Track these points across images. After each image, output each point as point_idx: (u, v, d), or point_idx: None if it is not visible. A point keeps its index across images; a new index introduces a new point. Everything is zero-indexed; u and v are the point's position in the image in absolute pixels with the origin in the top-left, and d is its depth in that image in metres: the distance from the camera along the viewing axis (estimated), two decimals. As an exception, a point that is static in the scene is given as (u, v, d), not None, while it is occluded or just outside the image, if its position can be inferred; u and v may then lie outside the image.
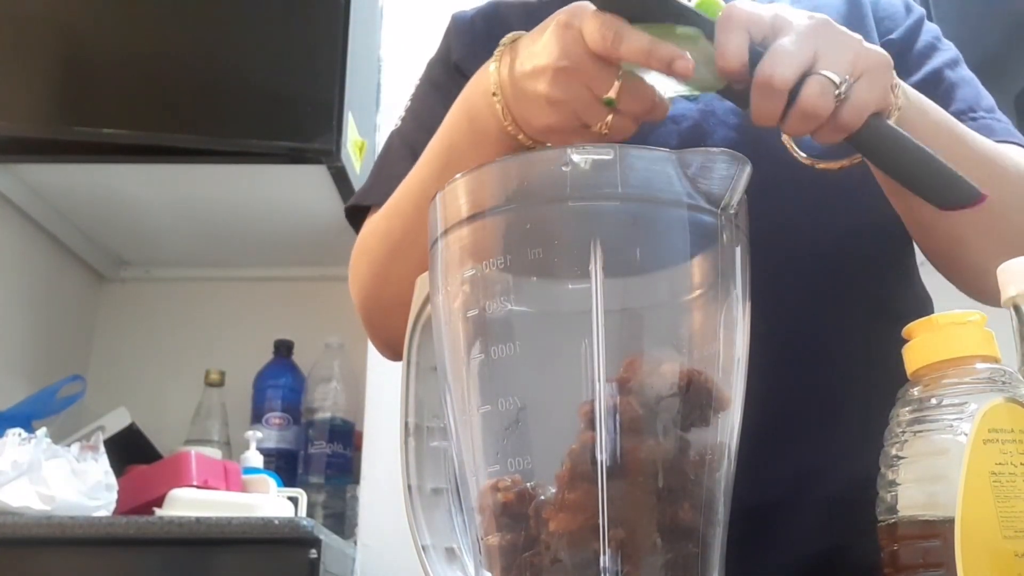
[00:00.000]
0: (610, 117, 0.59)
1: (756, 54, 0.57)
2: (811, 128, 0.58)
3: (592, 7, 0.59)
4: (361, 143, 1.70)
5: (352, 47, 1.62)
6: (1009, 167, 0.72)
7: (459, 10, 0.94)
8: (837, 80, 0.56)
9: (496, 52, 0.65)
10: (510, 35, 0.66)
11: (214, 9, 1.62)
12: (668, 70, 0.57)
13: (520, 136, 0.63)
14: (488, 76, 0.64)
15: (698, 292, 0.48)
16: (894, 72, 0.62)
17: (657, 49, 0.56)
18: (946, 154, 0.65)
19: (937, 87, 0.83)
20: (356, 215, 0.90)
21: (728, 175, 0.47)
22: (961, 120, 0.79)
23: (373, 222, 0.83)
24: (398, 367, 0.60)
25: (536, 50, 0.61)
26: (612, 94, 0.58)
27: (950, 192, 0.57)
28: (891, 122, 0.60)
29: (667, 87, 0.60)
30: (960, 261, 0.74)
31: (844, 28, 0.60)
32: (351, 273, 0.85)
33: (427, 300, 0.55)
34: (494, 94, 0.63)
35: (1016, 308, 0.51)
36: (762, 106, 0.57)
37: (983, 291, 0.74)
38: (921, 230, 0.75)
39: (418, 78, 0.94)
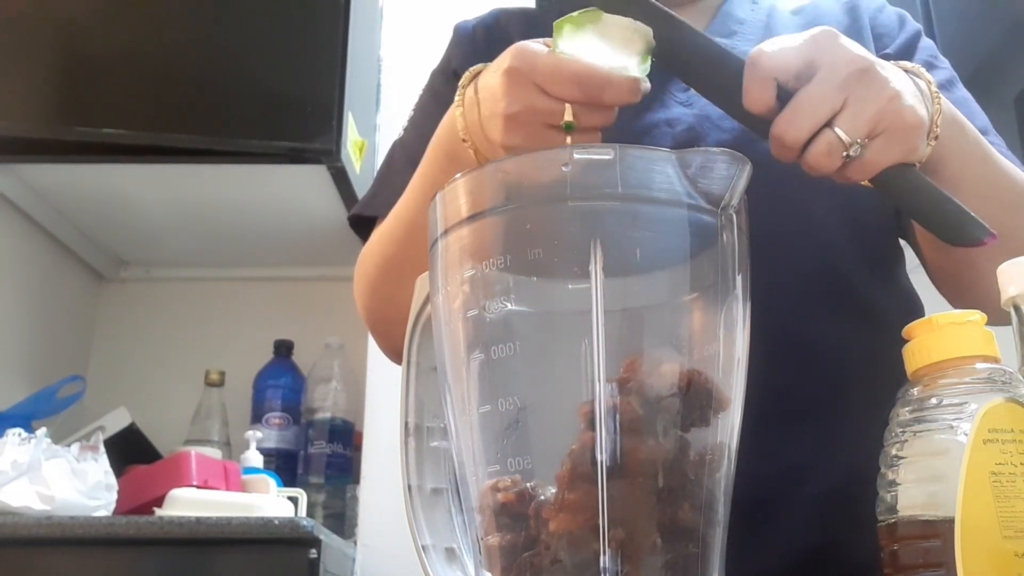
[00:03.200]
0: (569, 140, 0.58)
1: (785, 94, 0.57)
2: (820, 175, 0.59)
3: (539, 47, 0.58)
4: (361, 143, 1.70)
5: (352, 47, 1.63)
6: None
7: (462, 20, 0.95)
8: (847, 141, 0.56)
9: (457, 95, 0.65)
10: (469, 72, 0.65)
11: (214, 9, 1.62)
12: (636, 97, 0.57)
13: None
14: (455, 122, 0.64)
15: (698, 292, 0.48)
16: (931, 102, 0.62)
17: (639, 87, 0.57)
18: (981, 180, 0.66)
19: None
20: (359, 224, 0.91)
21: (728, 175, 0.47)
22: None
23: (371, 244, 0.85)
24: (398, 367, 0.60)
25: (489, 96, 0.61)
26: (569, 117, 0.57)
27: (962, 231, 0.58)
28: (925, 154, 0.60)
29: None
30: (970, 284, 0.74)
31: (886, 75, 0.58)
32: (355, 287, 0.87)
33: (427, 300, 0.55)
34: (464, 140, 0.63)
35: (1016, 308, 0.51)
36: (777, 152, 0.58)
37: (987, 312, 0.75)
38: (936, 251, 0.75)
39: (421, 88, 0.95)
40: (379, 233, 0.83)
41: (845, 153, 0.56)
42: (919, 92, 0.61)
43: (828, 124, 0.56)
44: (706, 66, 0.61)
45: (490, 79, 0.61)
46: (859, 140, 0.56)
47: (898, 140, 0.57)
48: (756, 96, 0.57)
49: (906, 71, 0.63)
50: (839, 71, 0.57)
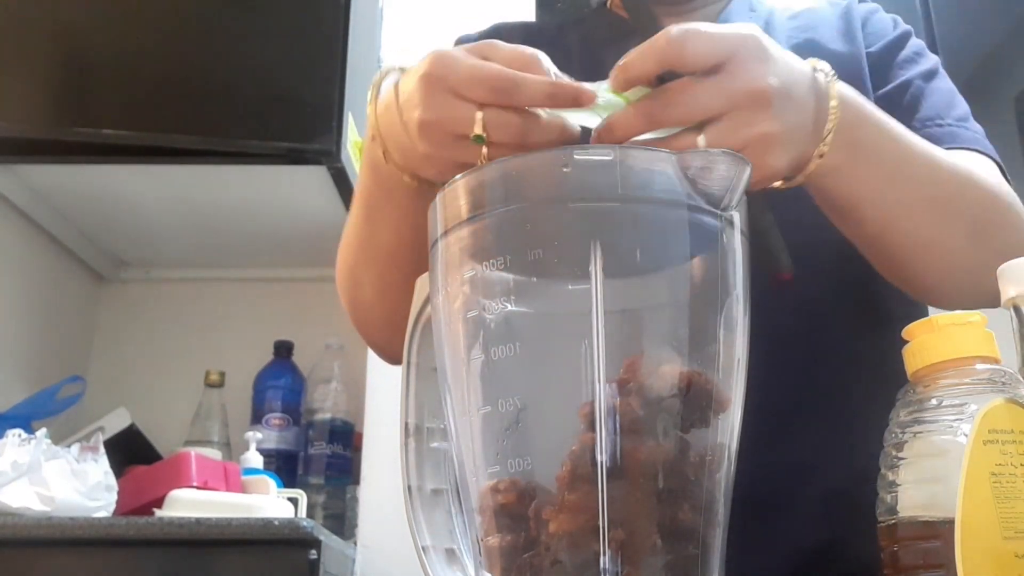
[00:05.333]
0: (485, 150, 0.55)
1: (670, 76, 0.54)
2: None
3: (460, 54, 0.57)
4: (361, 144, 1.70)
5: (352, 47, 1.63)
6: (966, 199, 0.71)
7: (463, 33, 0.96)
8: (702, 147, 0.53)
9: (370, 91, 0.63)
10: (386, 68, 0.64)
11: (214, 9, 1.62)
12: (575, 105, 0.55)
13: (418, 184, 0.62)
14: (368, 118, 0.63)
15: (698, 292, 0.48)
16: (828, 112, 0.59)
17: (559, 90, 0.54)
18: (895, 197, 0.66)
19: (903, 97, 0.83)
20: None
21: (728, 176, 0.47)
22: (926, 128, 0.79)
23: (339, 253, 0.86)
24: (398, 368, 0.60)
25: (406, 102, 0.59)
26: (478, 130, 0.55)
27: (767, 261, 0.57)
28: (811, 166, 0.59)
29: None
30: (906, 279, 0.74)
31: (779, 113, 0.55)
32: (338, 289, 0.89)
33: (427, 301, 0.55)
34: (373, 138, 0.62)
35: (1016, 308, 0.51)
36: (626, 118, 0.54)
37: (936, 302, 0.75)
38: (866, 248, 0.74)
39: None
40: (341, 244, 0.84)
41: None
42: (810, 122, 0.58)
43: (698, 125, 0.54)
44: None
45: (408, 84, 0.59)
46: (712, 152, 0.52)
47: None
48: (637, 66, 0.54)
49: (814, 69, 0.60)
50: (739, 83, 0.54)
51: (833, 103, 0.60)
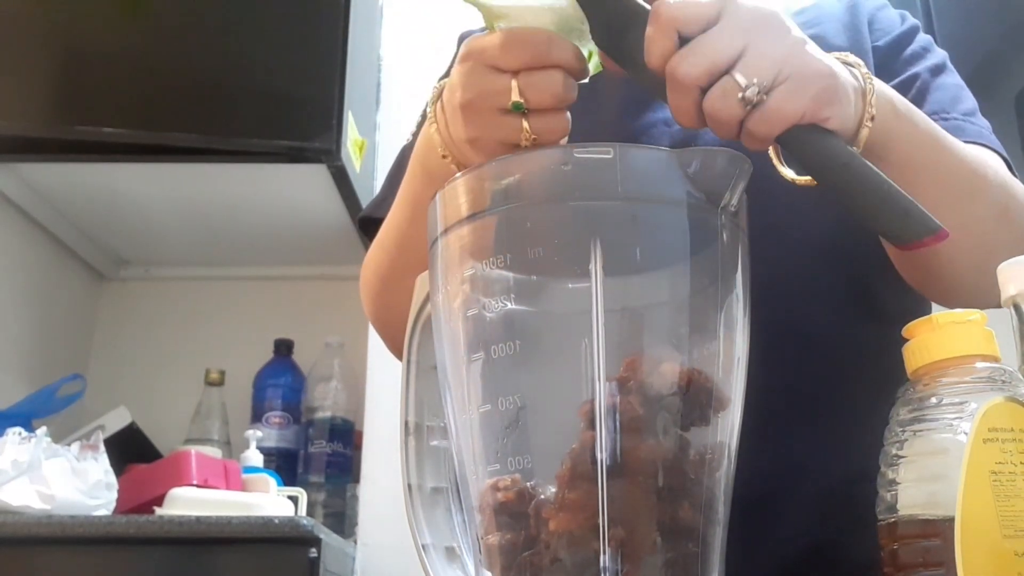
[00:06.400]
0: (526, 124, 0.56)
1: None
2: (726, 133, 0.54)
3: (489, 34, 0.58)
4: (361, 142, 1.70)
5: (352, 47, 1.63)
6: (990, 179, 0.70)
7: (467, 29, 0.96)
8: (743, 83, 0.52)
9: (429, 112, 0.64)
10: (436, 87, 0.65)
11: (214, 9, 1.62)
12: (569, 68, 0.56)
13: None
14: (431, 139, 0.63)
15: (698, 291, 0.48)
16: (863, 80, 0.59)
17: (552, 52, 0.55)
18: (934, 167, 0.63)
19: (909, 91, 0.82)
20: (369, 225, 0.92)
21: (728, 174, 0.47)
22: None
23: (369, 254, 0.86)
24: (398, 366, 0.60)
25: (448, 93, 0.60)
26: (515, 97, 0.55)
27: (903, 224, 0.51)
28: (864, 132, 0.57)
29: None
30: (933, 273, 0.72)
31: (791, 25, 0.56)
32: (360, 293, 0.89)
33: (427, 299, 0.55)
34: (444, 156, 0.62)
35: (1016, 308, 0.51)
36: (673, 101, 0.55)
37: (955, 301, 0.73)
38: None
39: (429, 94, 0.95)
40: (375, 244, 0.84)
41: (741, 95, 0.52)
42: (837, 63, 0.58)
43: (728, 72, 0.53)
44: (615, 22, 0.56)
45: (451, 78, 0.60)
46: (755, 81, 0.52)
47: (804, 87, 0.53)
48: (657, 49, 0.54)
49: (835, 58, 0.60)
50: (742, 18, 0.54)
51: (863, 69, 0.60)
